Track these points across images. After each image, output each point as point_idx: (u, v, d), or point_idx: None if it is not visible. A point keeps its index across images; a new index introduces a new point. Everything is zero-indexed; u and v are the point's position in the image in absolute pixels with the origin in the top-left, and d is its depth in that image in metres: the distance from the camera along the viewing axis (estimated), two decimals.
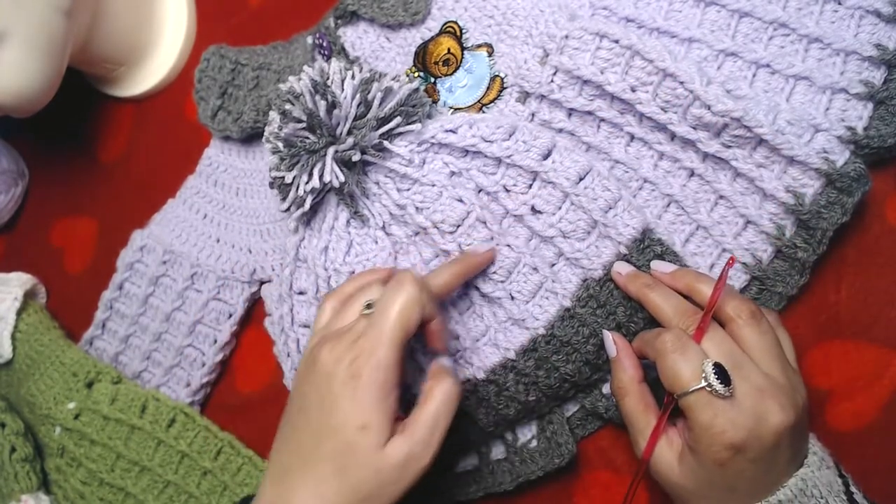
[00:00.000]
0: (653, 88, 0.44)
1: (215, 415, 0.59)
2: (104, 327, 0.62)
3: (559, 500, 0.50)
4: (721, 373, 0.36)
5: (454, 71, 0.52)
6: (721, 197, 0.45)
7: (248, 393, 0.60)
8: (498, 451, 0.50)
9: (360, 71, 0.47)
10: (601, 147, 0.47)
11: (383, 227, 0.49)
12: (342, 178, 0.46)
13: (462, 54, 0.52)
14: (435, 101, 0.52)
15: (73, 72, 0.67)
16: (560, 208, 0.45)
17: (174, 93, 0.67)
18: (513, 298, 0.46)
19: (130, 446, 0.57)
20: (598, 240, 0.45)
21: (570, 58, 0.46)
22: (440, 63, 0.52)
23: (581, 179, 0.45)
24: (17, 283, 0.64)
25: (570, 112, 0.48)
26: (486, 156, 0.47)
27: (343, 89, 0.46)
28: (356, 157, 0.46)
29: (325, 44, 0.56)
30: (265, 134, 0.49)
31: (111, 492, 0.57)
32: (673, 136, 0.45)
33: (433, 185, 0.47)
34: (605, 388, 0.47)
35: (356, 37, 0.55)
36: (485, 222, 0.46)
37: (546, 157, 0.46)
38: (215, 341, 0.59)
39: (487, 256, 0.46)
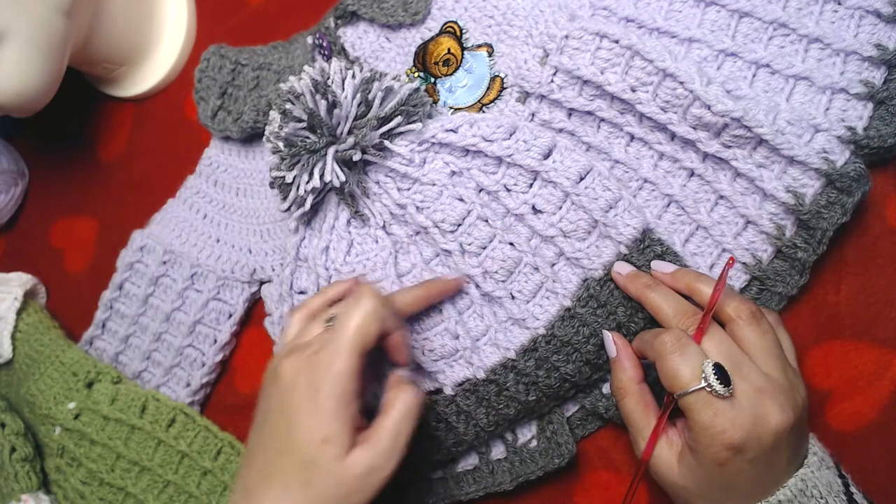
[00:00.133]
0: (653, 88, 0.44)
1: (215, 415, 0.59)
2: (104, 327, 0.62)
3: (559, 500, 0.50)
4: (721, 373, 0.36)
5: (454, 71, 0.52)
6: (721, 197, 0.45)
7: (248, 393, 0.60)
8: (498, 451, 0.50)
9: (361, 71, 0.47)
10: (601, 147, 0.47)
11: (384, 227, 0.49)
12: (343, 178, 0.47)
13: (462, 54, 0.52)
14: (435, 102, 0.52)
15: (73, 72, 0.67)
16: (561, 208, 0.46)
17: (174, 93, 0.67)
18: (513, 298, 0.46)
19: (130, 446, 0.56)
20: (598, 239, 0.45)
21: (570, 58, 0.46)
22: (440, 63, 0.52)
23: (581, 179, 0.45)
24: (17, 283, 0.64)
25: (570, 112, 0.48)
26: (486, 155, 0.47)
27: (343, 89, 0.46)
28: (357, 157, 0.46)
29: (325, 44, 0.56)
30: (266, 133, 0.49)
31: (111, 492, 0.57)
32: (673, 136, 0.45)
33: (434, 185, 0.47)
34: (606, 388, 0.47)
35: (356, 37, 0.55)
36: (486, 220, 0.47)
37: (547, 156, 0.46)
38: (215, 341, 0.59)
39: (454, 285, 0.47)
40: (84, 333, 0.63)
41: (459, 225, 0.47)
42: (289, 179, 0.47)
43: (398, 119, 0.47)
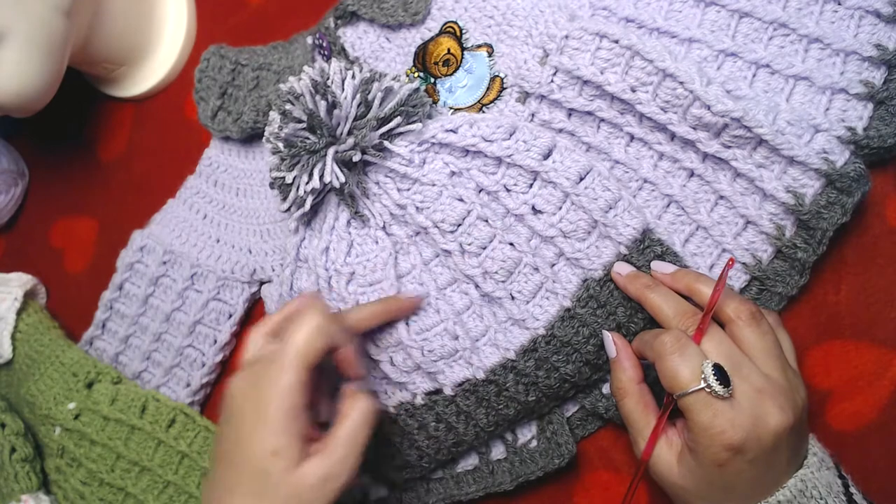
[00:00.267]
0: (653, 88, 0.44)
1: (215, 415, 0.59)
2: (104, 327, 0.62)
3: (559, 500, 0.50)
4: (720, 374, 0.36)
5: (454, 71, 0.52)
6: (721, 197, 0.45)
7: None
8: (498, 451, 0.50)
9: (361, 71, 0.47)
10: (601, 147, 0.47)
11: (384, 227, 0.49)
12: (342, 179, 0.46)
13: (462, 54, 0.52)
14: (435, 102, 0.52)
15: (73, 72, 0.67)
16: (560, 208, 0.45)
17: (174, 93, 0.67)
18: (513, 298, 0.46)
19: (130, 446, 0.57)
20: (598, 240, 0.45)
21: (570, 58, 0.46)
22: (440, 63, 0.52)
23: (581, 179, 0.45)
24: (17, 283, 0.64)
25: (570, 112, 0.48)
26: (486, 155, 0.47)
27: (343, 89, 0.46)
28: (356, 158, 0.46)
29: (325, 44, 0.56)
30: (265, 134, 0.49)
31: (111, 492, 0.57)
32: (673, 137, 0.45)
33: (433, 185, 0.47)
34: (605, 389, 0.47)
35: (356, 37, 0.55)
36: (486, 220, 0.46)
37: (546, 156, 0.46)
38: (215, 341, 0.59)
39: (412, 304, 0.48)
40: (84, 333, 0.63)
41: (459, 225, 0.47)
42: (289, 180, 0.47)
43: (398, 119, 0.47)
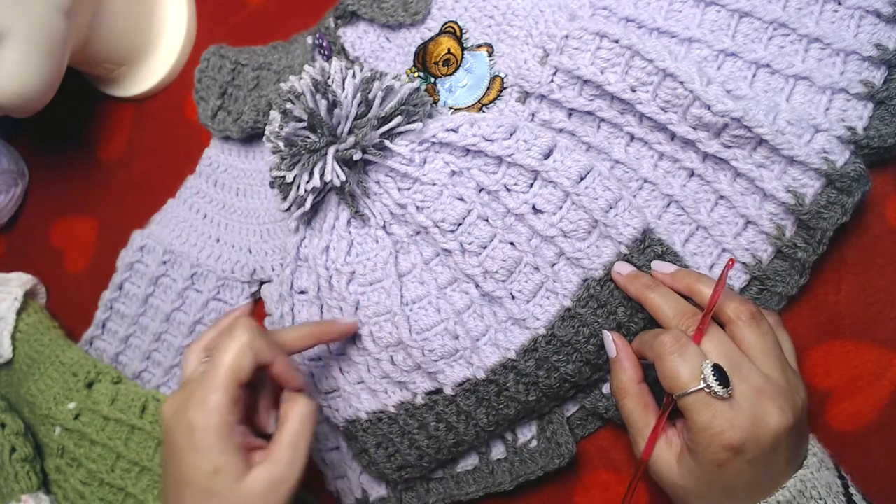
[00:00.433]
0: (653, 88, 0.44)
1: None
2: (104, 327, 0.62)
3: (559, 500, 0.50)
4: (720, 374, 0.36)
5: (454, 71, 0.52)
6: (721, 197, 0.45)
7: None
8: (498, 451, 0.50)
9: (361, 70, 0.47)
10: (601, 147, 0.47)
11: (384, 227, 0.49)
12: (343, 178, 0.46)
13: (462, 54, 0.52)
14: (435, 102, 0.52)
15: (73, 72, 0.67)
16: (561, 208, 0.45)
17: (174, 93, 0.67)
18: (513, 298, 0.46)
19: (130, 446, 0.57)
20: (598, 239, 0.45)
21: (570, 58, 0.46)
22: (440, 63, 0.52)
23: (582, 179, 0.45)
24: (17, 283, 0.64)
25: (570, 112, 0.48)
26: (486, 155, 0.47)
27: (344, 88, 0.46)
28: (357, 157, 0.46)
29: (325, 44, 0.56)
30: (266, 133, 0.49)
31: (111, 492, 0.57)
32: (673, 136, 0.45)
33: (434, 184, 0.47)
34: (606, 388, 0.47)
35: (356, 37, 0.55)
36: (487, 219, 0.46)
37: (547, 156, 0.46)
38: None
39: (347, 329, 0.48)
40: (84, 333, 0.63)
41: (460, 224, 0.47)
42: (289, 179, 0.47)
43: (398, 119, 0.47)
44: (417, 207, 0.48)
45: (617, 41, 0.44)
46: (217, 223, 0.60)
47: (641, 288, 0.42)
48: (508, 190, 0.47)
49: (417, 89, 0.49)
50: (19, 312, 0.62)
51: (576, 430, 0.49)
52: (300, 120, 0.47)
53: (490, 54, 0.51)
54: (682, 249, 0.46)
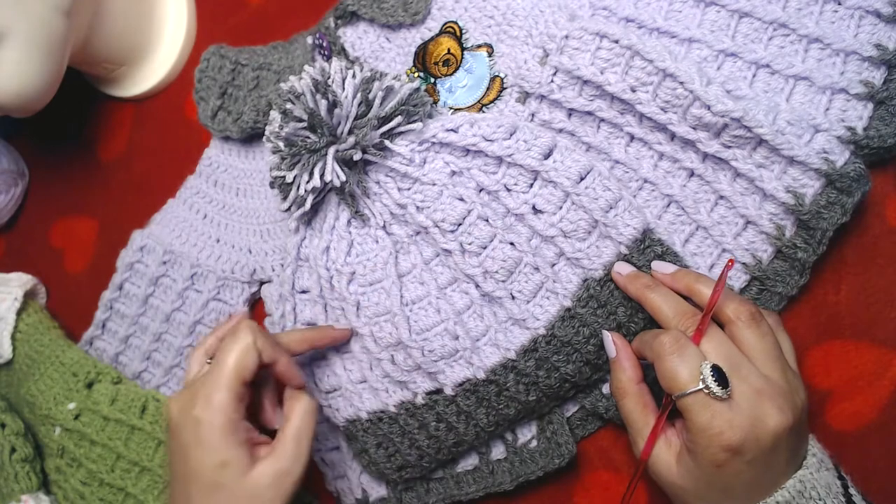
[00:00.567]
0: (653, 88, 0.44)
1: None
2: (104, 327, 0.62)
3: (559, 500, 0.50)
4: (719, 375, 0.36)
5: (454, 71, 0.52)
6: (721, 197, 0.45)
7: None
8: (498, 451, 0.50)
9: (361, 70, 0.47)
10: (601, 147, 0.47)
11: (384, 227, 0.49)
12: (343, 178, 0.46)
13: (462, 54, 0.52)
14: (435, 102, 0.52)
15: (73, 72, 0.67)
16: (561, 208, 0.45)
17: (174, 93, 0.67)
18: (514, 298, 0.46)
19: (130, 446, 0.57)
20: (598, 240, 0.45)
21: (570, 58, 0.46)
22: (440, 63, 0.52)
23: (582, 179, 0.45)
24: (17, 283, 0.64)
25: (570, 112, 0.48)
26: (486, 155, 0.47)
27: (344, 88, 0.46)
28: (357, 157, 0.46)
29: (325, 44, 0.56)
30: (266, 133, 0.49)
31: (111, 492, 0.57)
32: (673, 137, 0.45)
33: (434, 185, 0.47)
34: (605, 388, 0.47)
35: (356, 37, 0.55)
36: (487, 219, 0.47)
37: (547, 156, 0.46)
38: None
39: (342, 335, 0.50)
40: (84, 333, 0.63)
41: (460, 224, 0.47)
42: (289, 179, 0.47)
43: (398, 119, 0.47)
44: (417, 207, 0.48)
45: (617, 41, 0.44)
46: (217, 223, 0.60)
47: (641, 288, 0.42)
48: (508, 190, 0.47)
49: (417, 89, 0.49)
50: (19, 312, 0.62)
51: (576, 430, 0.49)
52: (300, 120, 0.47)
53: (490, 54, 0.51)
54: (682, 249, 0.46)
